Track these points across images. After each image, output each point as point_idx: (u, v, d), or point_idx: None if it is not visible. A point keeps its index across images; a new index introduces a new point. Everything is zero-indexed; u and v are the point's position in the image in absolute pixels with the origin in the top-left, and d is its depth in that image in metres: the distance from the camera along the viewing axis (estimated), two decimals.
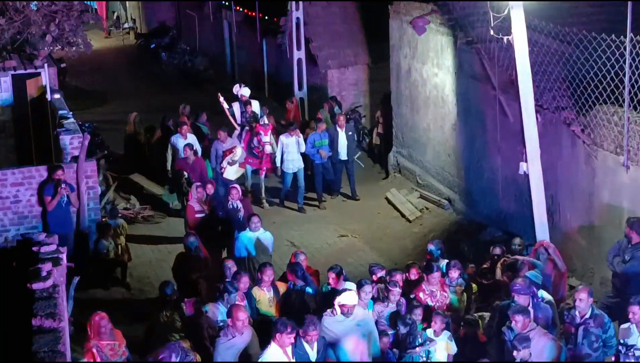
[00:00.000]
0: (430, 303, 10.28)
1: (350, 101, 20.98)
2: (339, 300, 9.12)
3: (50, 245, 8.30)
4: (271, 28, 23.29)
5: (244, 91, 17.50)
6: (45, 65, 16.05)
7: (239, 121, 17.14)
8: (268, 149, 16.27)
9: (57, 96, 16.22)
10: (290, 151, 16.38)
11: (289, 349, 8.44)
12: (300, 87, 21.27)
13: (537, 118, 11.63)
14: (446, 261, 11.25)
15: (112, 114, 23.87)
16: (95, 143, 17.05)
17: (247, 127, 16.81)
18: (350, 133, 17.13)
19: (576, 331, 9.16)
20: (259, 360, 8.46)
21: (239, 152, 16.23)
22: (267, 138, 16.21)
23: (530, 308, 9.19)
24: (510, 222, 13.70)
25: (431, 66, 16.18)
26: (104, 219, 14.10)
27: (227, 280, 10.06)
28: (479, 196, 15.01)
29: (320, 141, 16.70)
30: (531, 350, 8.35)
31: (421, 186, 17.11)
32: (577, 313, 9.20)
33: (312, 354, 8.62)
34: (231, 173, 16.14)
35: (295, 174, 16.56)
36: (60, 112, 15.24)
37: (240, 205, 13.27)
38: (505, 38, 11.36)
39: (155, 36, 32.15)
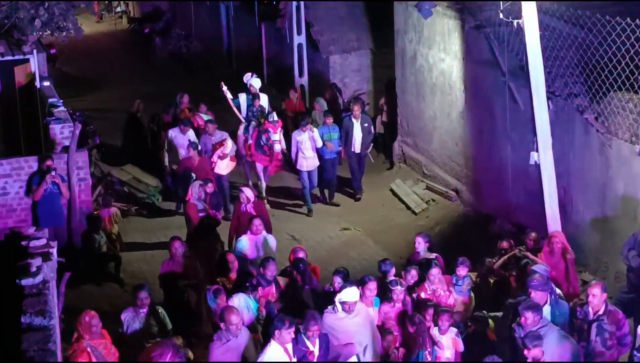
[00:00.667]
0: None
1: (353, 88, 20.91)
2: (340, 296, 9.18)
3: (40, 239, 8.29)
4: (270, 12, 23.21)
5: (255, 82, 16.77)
6: (34, 51, 16.03)
7: (243, 115, 16.65)
8: (277, 148, 15.72)
9: (46, 83, 16.21)
10: (305, 148, 15.93)
11: (289, 346, 8.47)
12: (300, 74, 21.22)
13: (548, 106, 11.60)
14: (435, 254, 11.20)
15: (104, 102, 23.86)
16: (86, 132, 17.02)
17: (253, 122, 16.23)
18: (366, 125, 16.64)
19: (589, 328, 9.14)
20: (259, 360, 8.47)
21: (230, 145, 15.94)
22: (276, 136, 15.64)
23: (548, 306, 9.17)
24: (521, 214, 13.67)
25: (438, 51, 16.14)
26: (95, 212, 14.11)
27: (259, 273, 10.07)
28: (487, 187, 14.99)
29: (329, 135, 16.31)
30: (544, 349, 8.31)
31: (427, 176, 17.09)
32: (590, 309, 9.17)
33: (314, 350, 8.64)
34: (222, 167, 15.87)
35: (309, 173, 16.11)
36: (50, 100, 15.24)
37: (251, 209, 12.95)
38: (515, 22, 11.33)
39: (148, 21, 32.06)
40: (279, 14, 22.07)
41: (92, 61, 28.71)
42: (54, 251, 8.27)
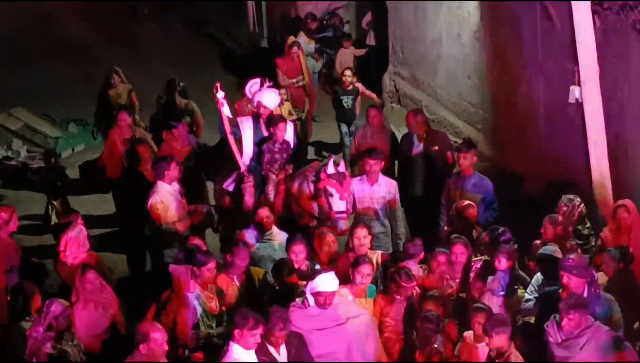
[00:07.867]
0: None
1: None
2: (313, 286, 9.14)
3: None
4: None
5: (268, 99, 12.21)
6: None
7: (248, 158, 12.05)
8: (342, 226, 11.32)
9: None
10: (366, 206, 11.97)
11: (253, 353, 8.50)
12: None
13: (594, 23, 11.66)
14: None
15: None
16: None
17: (274, 177, 11.90)
18: None
19: None
20: None
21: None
22: (342, 205, 11.40)
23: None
24: (557, 171, 13.74)
25: None
26: None
27: None
28: (512, 135, 15.07)
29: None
30: (590, 350, 8.38)
31: (430, 121, 17.15)
32: None
33: (280, 359, 8.68)
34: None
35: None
36: None
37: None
38: None
39: None
40: None
41: None
42: None
